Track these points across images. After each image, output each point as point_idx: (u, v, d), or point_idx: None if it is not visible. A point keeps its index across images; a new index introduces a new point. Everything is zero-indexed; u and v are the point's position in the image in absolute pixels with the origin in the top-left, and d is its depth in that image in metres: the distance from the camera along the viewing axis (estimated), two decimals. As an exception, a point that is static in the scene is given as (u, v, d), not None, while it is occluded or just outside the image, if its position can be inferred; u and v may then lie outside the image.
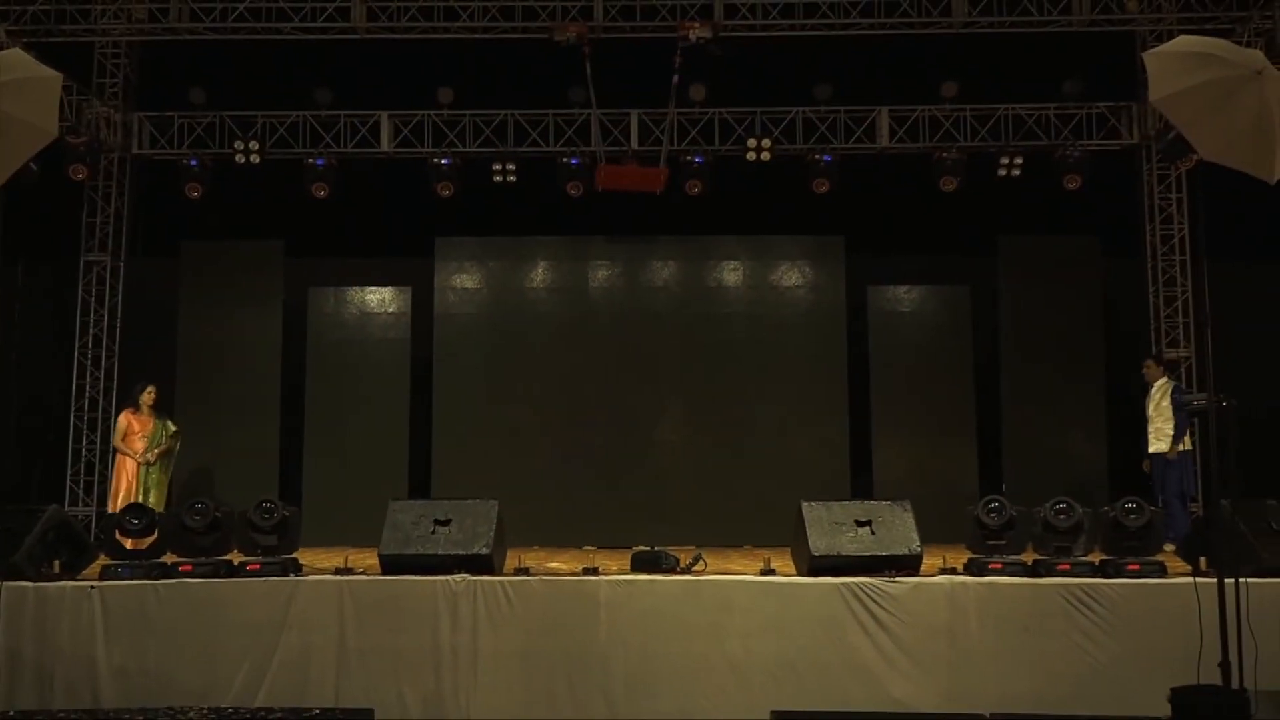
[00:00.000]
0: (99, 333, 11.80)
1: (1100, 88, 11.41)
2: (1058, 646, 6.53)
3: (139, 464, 9.70)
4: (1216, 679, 5.22)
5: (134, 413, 9.86)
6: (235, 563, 7.09)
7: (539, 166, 11.57)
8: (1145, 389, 9.95)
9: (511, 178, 11.66)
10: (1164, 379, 9.92)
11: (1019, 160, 11.43)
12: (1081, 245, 11.69)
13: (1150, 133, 11.52)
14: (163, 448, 9.82)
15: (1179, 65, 5.19)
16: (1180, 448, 9.60)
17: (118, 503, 9.46)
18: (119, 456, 9.87)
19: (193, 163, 11.54)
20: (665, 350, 11.73)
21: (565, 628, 6.69)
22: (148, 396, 9.88)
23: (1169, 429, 9.64)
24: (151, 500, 9.52)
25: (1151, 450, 9.80)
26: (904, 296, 11.88)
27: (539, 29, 10.58)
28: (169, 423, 10.00)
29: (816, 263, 11.83)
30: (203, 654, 6.63)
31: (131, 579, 6.84)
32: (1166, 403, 9.69)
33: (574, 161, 11.41)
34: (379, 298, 11.91)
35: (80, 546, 7.29)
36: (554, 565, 8.08)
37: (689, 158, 11.44)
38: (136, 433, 9.79)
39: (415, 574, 6.83)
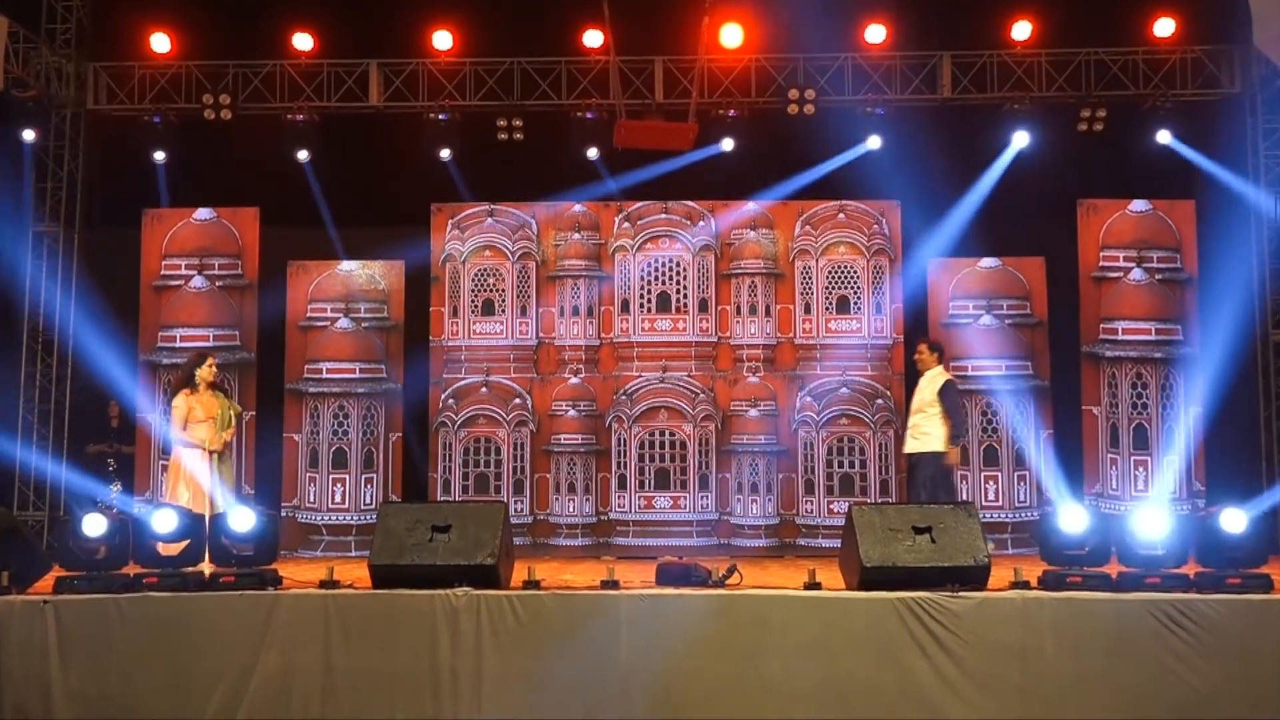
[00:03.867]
0: (51, 314, 11.88)
1: (1197, 29, 11.29)
2: (1147, 672, 6.51)
3: (206, 455, 8.99)
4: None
5: (192, 393, 9.06)
6: (207, 575, 7.14)
7: (550, 122, 11.55)
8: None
9: (518, 135, 11.66)
10: (938, 368, 9.66)
11: (1102, 113, 11.35)
12: (1175, 209, 11.59)
13: (1255, 80, 11.41)
14: (231, 430, 9.25)
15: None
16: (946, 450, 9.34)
17: (184, 500, 8.76)
18: (174, 453, 9.09)
19: (156, 120, 11.58)
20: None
21: (581, 649, 6.70)
22: (207, 371, 9.07)
23: (931, 427, 9.38)
24: (220, 500, 8.94)
25: (907, 450, 9.62)
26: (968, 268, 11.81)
27: (549, -36, 10.60)
28: (234, 401, 9.55)
29: (867, 231, 11.77)
30: (170, 677, 6.68)
31: (90, 593, 6.89)
32: (935, 399, 9.43)
33: (590, 116, 11.39)
34: (368, 273, 11.94)
35: (31, 556, 7.35)
36: (568, 578, 8.10)
37: (721, 111, 11.39)
38: (201, 420, 9.07)
39: (410, 587, 6.85)
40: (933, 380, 9.58)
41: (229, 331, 11.81)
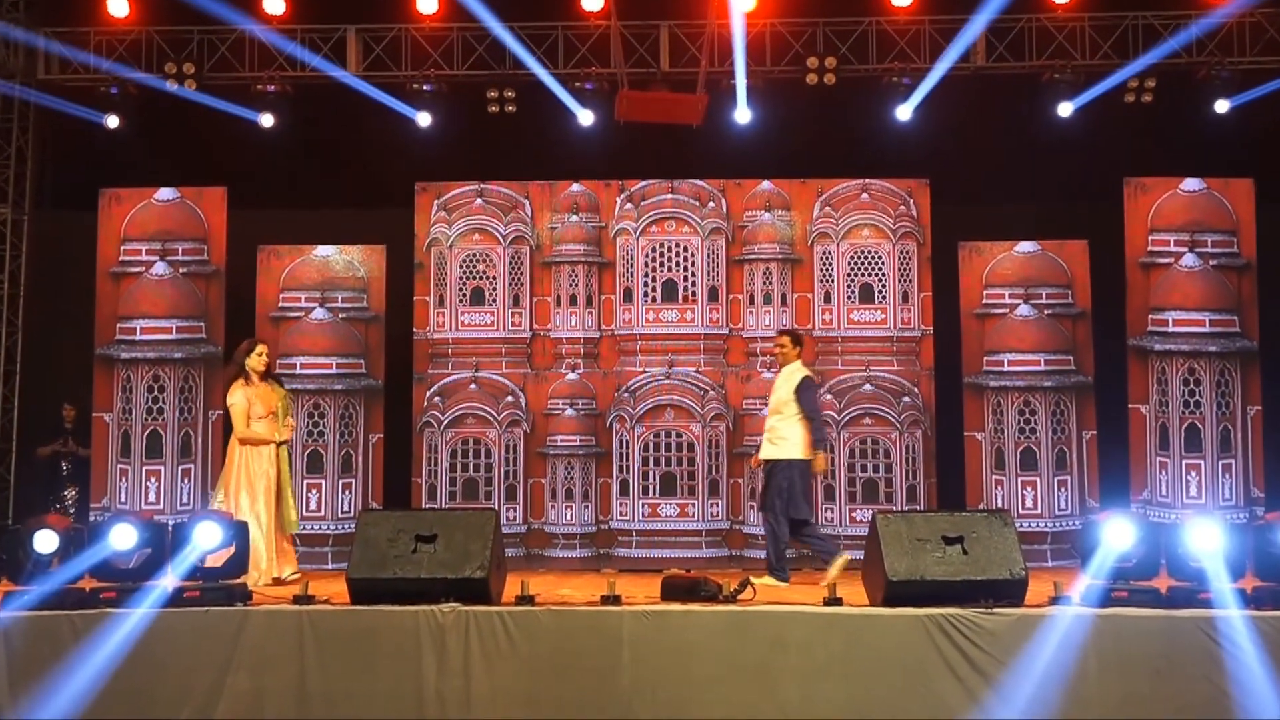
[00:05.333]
0: (-1, 303, 11.92)
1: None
2: (1198, 696, 6.53)
3: (275, 453, 9.12)
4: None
5: (247, 384, 9.19)
6: (170, 588, 7.15)
7: (545, 94, 11.55)
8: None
9: (510, 108, 11.66)
10: (797, 363, 9.51)
11: (1151, 82, 11.33)
12: (1231, 188, 11.58)
13: (1319, 46, 11.41)
14: (293, 422, 9.32)
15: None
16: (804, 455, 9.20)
17: (245, 506, 8.87)
18: (232, 451, 9.20)
19: (113, 91, 11.58)
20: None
21: (579, 670, 6.72)
22: (258, 359, 9.23)
23: (788, 430, 9.25)
24: (291, 503, 9.13)
25: (763, 456, 9.47)
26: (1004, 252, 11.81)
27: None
28: (284, 388, 9.57)
29: (892, 212, 11.77)
30: (130, 700, 6.70)
31: (41, 608, 6.91)
32: (792, 398, 9.30)
33: (589, 86, 11.39)
34: (346, 259, 11.94)
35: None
36: (565, 592, 8.11)
37: (732, 81, 11.39)
38: (261, 415, 9.14)
39: (392, 603, 6.87)
40: (789, 377, 9.43)
41: (194, 323, 11.81)
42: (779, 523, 9.21)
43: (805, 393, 9.30)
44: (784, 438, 9.28)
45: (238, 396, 9.14)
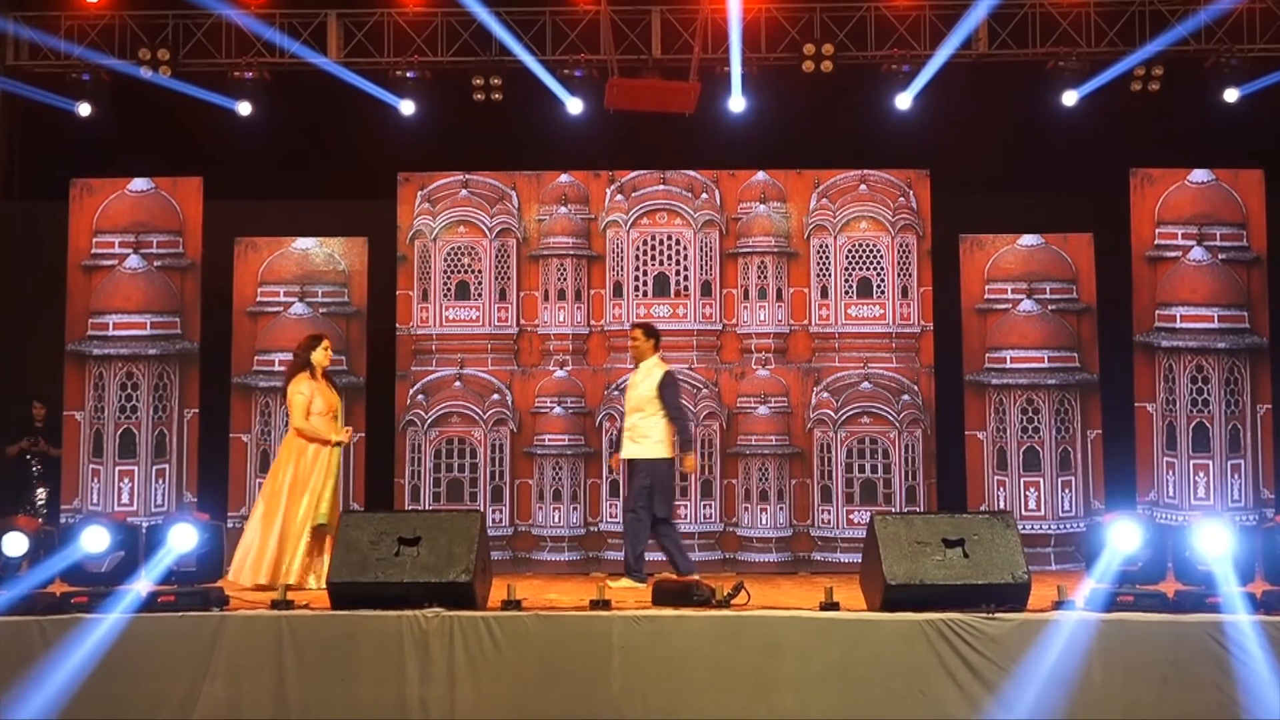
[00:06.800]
0: (-34, 298, 11.91)
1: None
2: (1206, 702, 6.54)
3: (331, 450, 9.09)
4: None
5: (311, 378, 9.16)
6: (144, 593, 7.14)
7: (533, 81, 11.54)
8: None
9: (496, 95, 11.65)
10: (654, 358, 9.57)
11: (1158, 70, 11.35)
12: (1240, 180, 11.61)
13: (1332, 33, 11.44)
14: (349, 429, 9.38)
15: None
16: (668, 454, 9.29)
17: (307, 509, 8.88)
18: (288, 445, 9.19)
19: (85, 78, 11.55)
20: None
21: (568, 677, 6.73)
22: (323, 355, 9.23)
23: (650, 429, 9.30)
24: (325, 503, 9.06)
25: (624, 456, 9.53)
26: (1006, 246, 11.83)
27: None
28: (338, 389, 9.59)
29: (891, 204, 11.78)
30: (101, 709, 6.69)
31: (9, 614, 6.90)
32: (654, 395, 9.33)
33: (578, 74, 11.38)
34: (326, 251, 11.92)
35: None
36: (553, 597, 8.11)
37: (726, 68, 11.38)
38: (323, 412, 9.11)
39: (374, 608, 6.87)
40: (649, 373, 9.49)
41: (169, 318, 11.79)
42: (640, 523, 9.29)
43: (667, 390, 9.36)
44: (646, 435, 9.35)
45: (303, 386, 9.11)
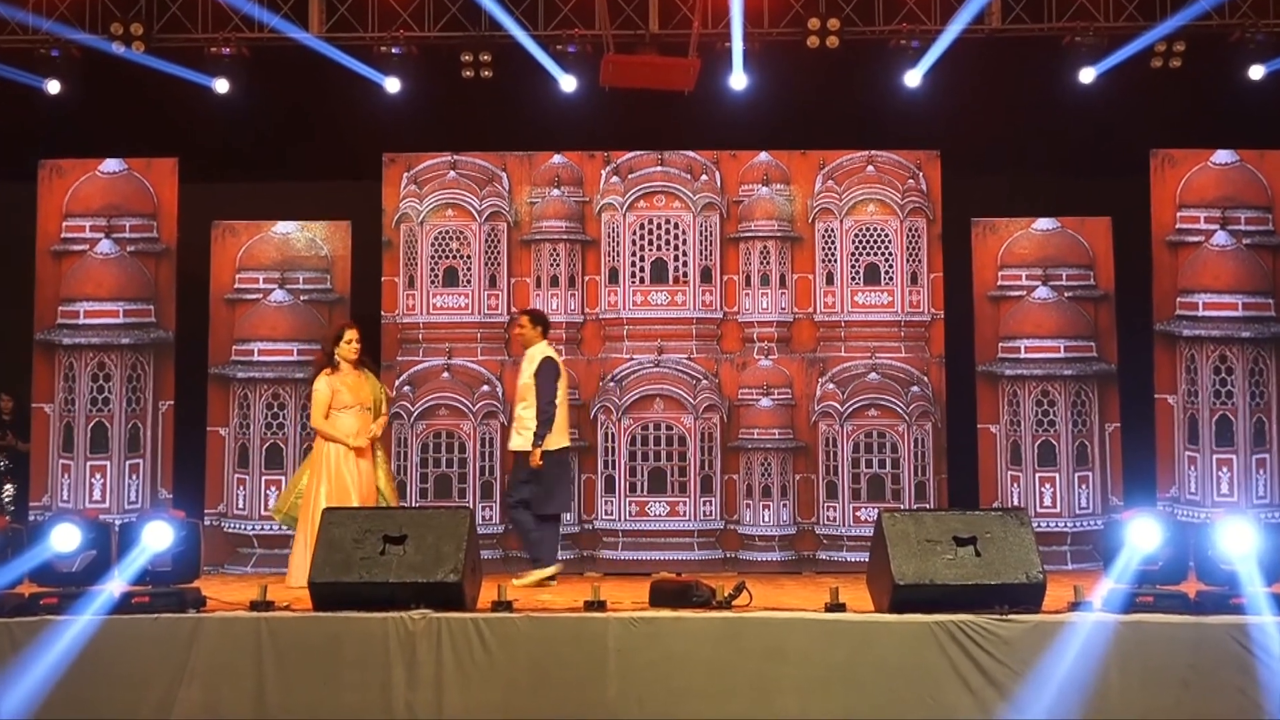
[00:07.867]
0: (-70, 285, 11.89)
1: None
2: (1228, 706, 6.55)
3: (352, 449, 9.16)
4: None
5: (333, 372, 9.26)
6: (117, 594, 7.14)
7: (524, 57, 11.52)
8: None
9: (486, 72, 11.63)
10: (541, 344, 9.64)
11: (1180, 46, 11.33)
12: (1266, 161, 11.61)
13: (1362, 7, 11.43)
14: (384, 420, 9.41)
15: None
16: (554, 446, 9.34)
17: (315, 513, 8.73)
18: (315, 449, 9.32)
19: (54, 54, 11.52)
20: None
21: (561, 681, 6.74)
22: (347, 347, 9.31)
23: (533, 419, 9.33)
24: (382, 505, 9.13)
25: (511, 447, 9.63)
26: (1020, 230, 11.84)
27: None
28: (382, 383, 9.60)
29: (900, 186, 11.78)
30: (73, 714, 6.68)
31: (-26, 616, 6.90)
32: (532, 382, 9.39)
33: (572, 50, 11.37)
34: (308, 235, 11.92)
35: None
36: (546, 598, 8.12)
37: (727, 44, 11.37)
38: (349, 405, 9.24)
39: (358, 609, 6.88)
40: (531, 360, 9.55)
41: (142, 305, 11.80)
42: (522, 516, 9.40)
43: (540, 377, 9.40)
44: (528, 427, 9.39)
45: (321, 384, 9.20)
